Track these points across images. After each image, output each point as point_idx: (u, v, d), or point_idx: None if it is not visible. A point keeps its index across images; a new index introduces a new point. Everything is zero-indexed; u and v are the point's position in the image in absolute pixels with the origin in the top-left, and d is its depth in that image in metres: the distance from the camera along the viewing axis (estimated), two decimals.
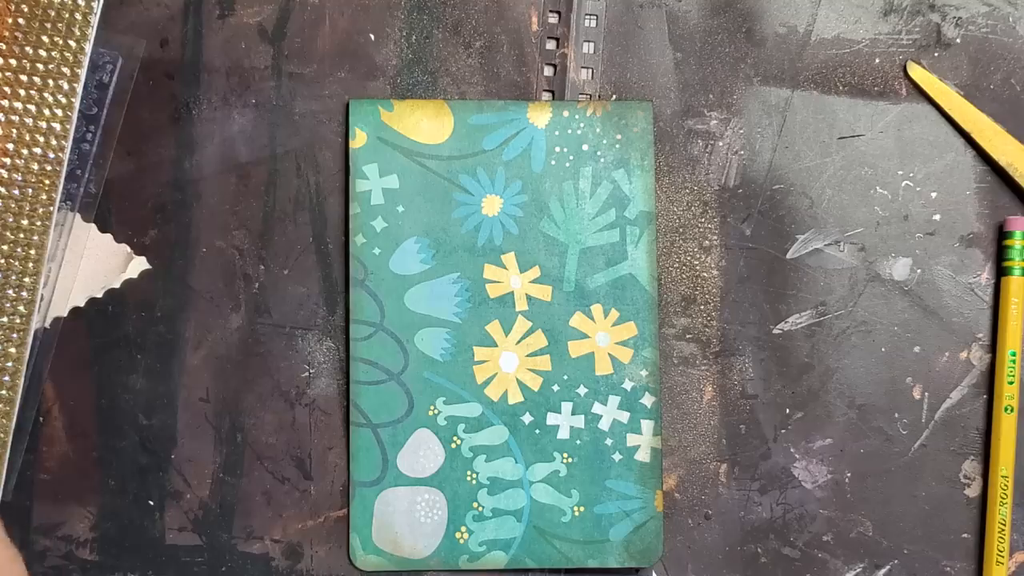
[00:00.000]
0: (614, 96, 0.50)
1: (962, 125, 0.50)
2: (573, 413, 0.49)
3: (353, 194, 0.49)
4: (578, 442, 0.49)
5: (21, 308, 0.47)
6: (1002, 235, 0.50)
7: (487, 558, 0.48)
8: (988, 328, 0.50)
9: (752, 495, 0.50)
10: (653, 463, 0.49)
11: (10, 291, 0.47)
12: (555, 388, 0.49)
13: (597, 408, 0.49)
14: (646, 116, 0.49)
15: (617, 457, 0.49)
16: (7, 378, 0.47)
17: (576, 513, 0.48)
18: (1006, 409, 0.49)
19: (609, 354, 0.49)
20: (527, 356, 0.49)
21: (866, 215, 0.50)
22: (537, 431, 0.49)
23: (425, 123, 0.49)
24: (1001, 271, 0.50)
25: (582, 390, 0.49)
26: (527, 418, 0.49)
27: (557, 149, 0.49)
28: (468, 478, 0.48)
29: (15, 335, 0.47)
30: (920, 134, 0.50)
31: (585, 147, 0.49)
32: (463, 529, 0.48)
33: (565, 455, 0.49)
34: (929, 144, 0.50)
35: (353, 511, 0.48)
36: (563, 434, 0.49)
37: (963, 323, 0.50)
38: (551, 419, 0.49)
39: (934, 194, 0.50)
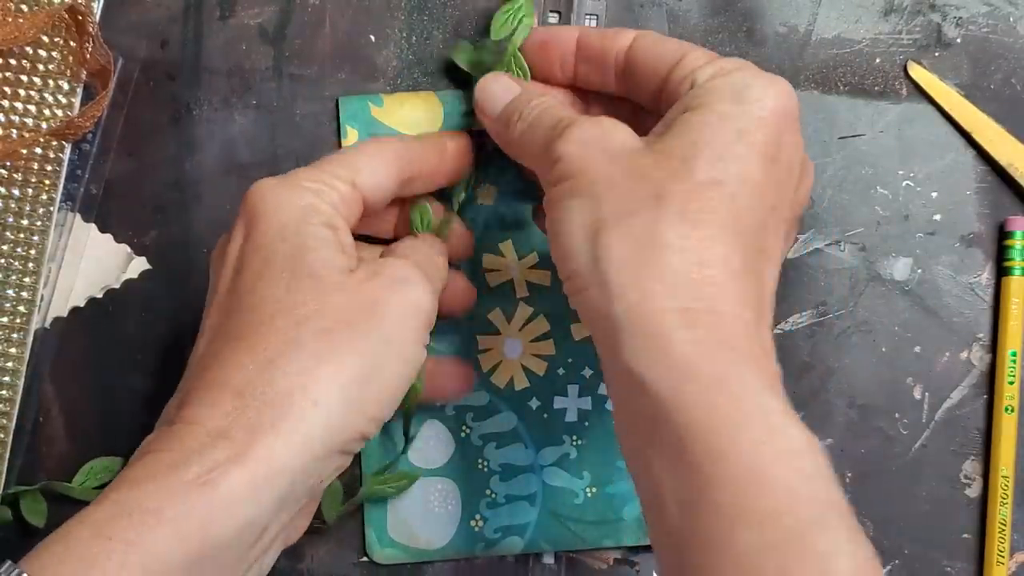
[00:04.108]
0: None
1: (963, 125, 0.50)
2: (580, 395, 0.49)
3: None
4: (586, 424, 0.49)
5: (21, 308, 0.47)
6: (1003, 235, 0.50)
7: (503, 544, 0.48)
8: (988, 328, 0.50)
9: None
10: None
11: (10, 291, 0.47)
12: (560, 372, 0.49)
13: (603, 389, 0.49)
14: None
15: None
16: (7, 378, 0.47)
17: (589, 494, 0.48)
18: (1006, 409, 0.49)
19: None
20: (530, 342, 0.49)
21: (866, 215, 0.50)
22: (545, 415, 0.49)
23: (416, 116, 0.49)
24: (1001, 271, 0.50)
25: (587, 372, 0.49)
26: (534, 403, 0.49)
27: None
28: (479, 466, 0.48)
29: (15, 335, 0.47)
30: (921, 134, 0.50)
31: None
32: (477, 517, 0.48)
33: (574, 437, 0.49)
34: (930, 144, 0.50)
35: (367, 505, 0.48)
36: (571, 417, 0.49)
37: (963, 323, 0.50)
38: (558, 403, 0.49)
39: (935, 194, 0.50)
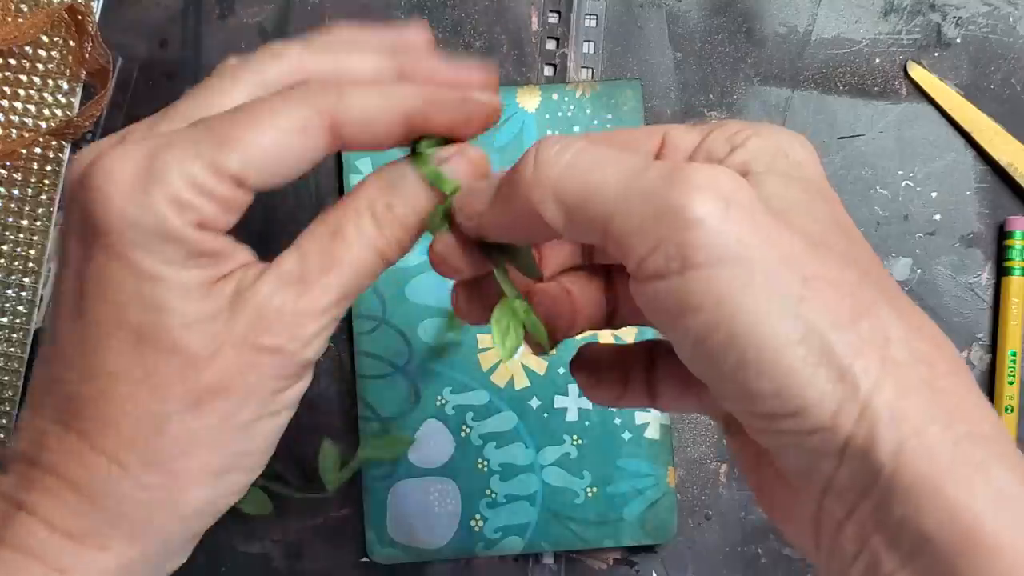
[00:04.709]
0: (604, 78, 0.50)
1: (962, 125, 0.50)
2: (580, 395, 0.48)
3: (348, 190, 0.49)
4: (587, 423, 0.49)
5: (21, 308, 0.47)
6: (1002, 235, 0.50)
7: (503, 544, 0.48)
8: (988, 328, 0.50)
9: (752, 495, 0.49)
10: (663, 440, 0.49)
11: (10, 291, 0.47)
12: (561, 371, 0.49)
13: None
14: (635, 94, 0.49)
15: (627, 436, 0.48)
16: (7, 378, 0.47)
17: (589, 494, 0.48)
18: (1006, 409, 0.49)
19: (613, 334, 0.49)
20: None
21: (866, 215, 0.50)
22: (545, 415, 0.49)
23: None
24: (1001, 271, 0.50)
25: None
26: (534, 402, 0.49)
27: (548, 132, 0.49)
28: (479, 466, 0.48)
29: (15, 335, 0.47)
30: (920, 134, 0.50)
31: (576, 128, 0.49)
32: (477, 517, 0.48)
33: (575, 437, 0.49)
34: (929, 144, 0.50)
35: (367, 506, 0.48)
36: (571, 416, 0.49)
37: (963, 323, 0.50)
38: (559, 402, 0.49)
39: (934, 194, 0.50)
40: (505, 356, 0.31)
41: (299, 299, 0.29)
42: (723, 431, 0.32)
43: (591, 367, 0.34)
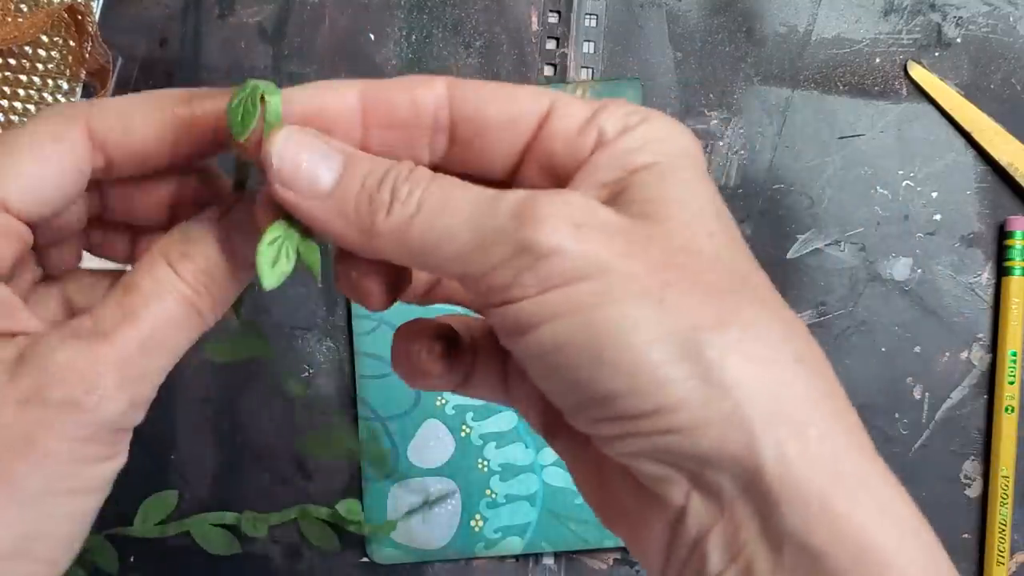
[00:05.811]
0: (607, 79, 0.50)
1: (962, 125, 0.50)
2: None
3: None
4: None
5: None
6: (1003, 235, 0.50)
7: (503, 544, 0.48)
8: (988, 328, 0.50)
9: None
10: None
11: None
12: None
13: None
14: (635, 94, 0.49)
15: None
16: None
17: None
18: (1006, 409, 0.49)
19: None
20: None
21: (866, 215, 0.50)
22: None
23: None
24: (1002, 271, 0.50)
25: None
26: None
27: None
28: (479, 466, 0.48)
29: None
30: (921, 134, 0.50)
31: None
32: (477, 517, 0.48)
33: None
34: (930, 144, 0.50)
35: (367, 506, 0.48)
36: None
37: (963, 323, 0.50)
38: None
39: (935, 194, 0.50)
40: (271, 283, 0.29)
41: (91, 349, 0.26)
42: (547, 438, 0.31)
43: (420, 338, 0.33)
